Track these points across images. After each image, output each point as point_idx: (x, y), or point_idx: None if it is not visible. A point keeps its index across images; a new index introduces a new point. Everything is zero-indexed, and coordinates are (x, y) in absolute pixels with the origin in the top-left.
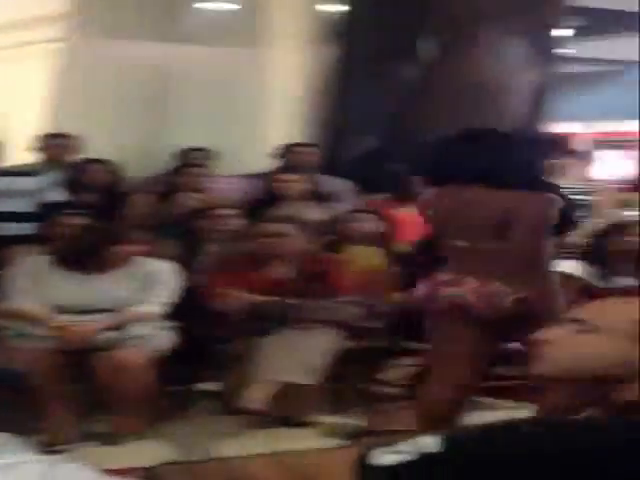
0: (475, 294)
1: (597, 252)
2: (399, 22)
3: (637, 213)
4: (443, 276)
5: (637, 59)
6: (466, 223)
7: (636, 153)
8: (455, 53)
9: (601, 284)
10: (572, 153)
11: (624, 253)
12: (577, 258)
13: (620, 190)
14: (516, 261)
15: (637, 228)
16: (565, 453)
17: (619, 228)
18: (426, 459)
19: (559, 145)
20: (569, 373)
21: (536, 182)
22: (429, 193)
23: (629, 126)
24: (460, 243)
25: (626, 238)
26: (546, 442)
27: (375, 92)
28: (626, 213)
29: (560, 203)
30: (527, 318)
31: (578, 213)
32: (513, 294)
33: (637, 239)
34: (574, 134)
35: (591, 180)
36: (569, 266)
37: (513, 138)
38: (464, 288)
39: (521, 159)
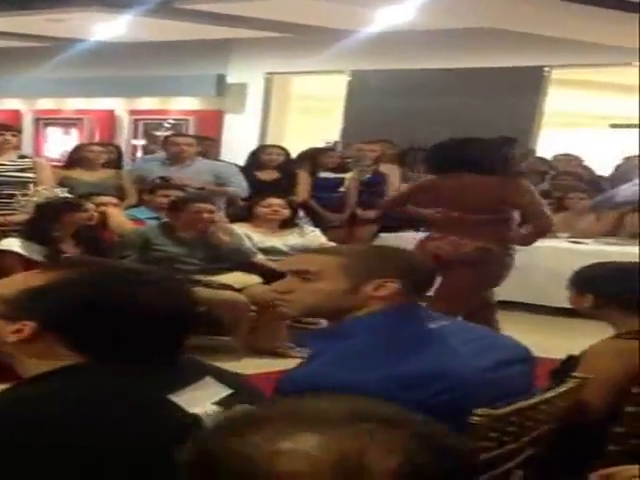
0: (448, 244)
1: (38, 228)
2: None
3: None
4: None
5: (72, 36)
6: (463, 200)
7: (76, 130)
8: None
9: (44, 259)
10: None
11: (67, 229)
12: (20, 235)
13: (59, 167)
14: (496, 225)
15: (84, 205)
16: None
17: (60, 205)
18: None
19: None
20: None
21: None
22: (429, 180)
23: (70, 104)
24: (454, 214)
25: (72, 214)
26: None
27: None
28: (60, 190)
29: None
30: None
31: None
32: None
33: (81, 215)
34: (16, 111)
35: (29, 157)
36: (9, 243)
37: (499, 141)
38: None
39: (504, 156)
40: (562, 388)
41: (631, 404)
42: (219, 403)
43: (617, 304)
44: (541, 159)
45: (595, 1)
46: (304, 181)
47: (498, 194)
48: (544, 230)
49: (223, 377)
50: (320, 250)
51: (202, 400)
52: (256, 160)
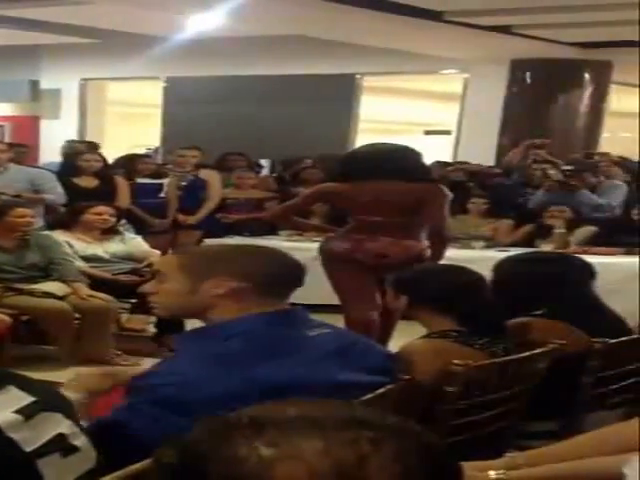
0: (394, 245)
1: None
2: None
3: None
4: (356, 236)
5: None
6: (381, 204)
7: None
8: None
9: None
10: None
11: None
12: None
13: None
14: (417, 228)
15: None
16: None
17: None
18: None
19: None
20: None
21: (430, 177)
22: (335, 185)
23: None
24: (374, 218)
25: None
26: None
27: None
28: None
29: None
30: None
31: None
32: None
33: None
34: None
35: None
36: None
37: (413, 150)
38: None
39: (419, 162)
40: (382, 390)
41: (446, 403)
42: (20, 411)
43: (426, 304)
44: None
45: (400, 10)
46: (123, 188)
47: (421, 198)
48: (446, 243)
49: (30, 386)
50: (175, 251)
51: (1, 408)
52: (72, 166)
